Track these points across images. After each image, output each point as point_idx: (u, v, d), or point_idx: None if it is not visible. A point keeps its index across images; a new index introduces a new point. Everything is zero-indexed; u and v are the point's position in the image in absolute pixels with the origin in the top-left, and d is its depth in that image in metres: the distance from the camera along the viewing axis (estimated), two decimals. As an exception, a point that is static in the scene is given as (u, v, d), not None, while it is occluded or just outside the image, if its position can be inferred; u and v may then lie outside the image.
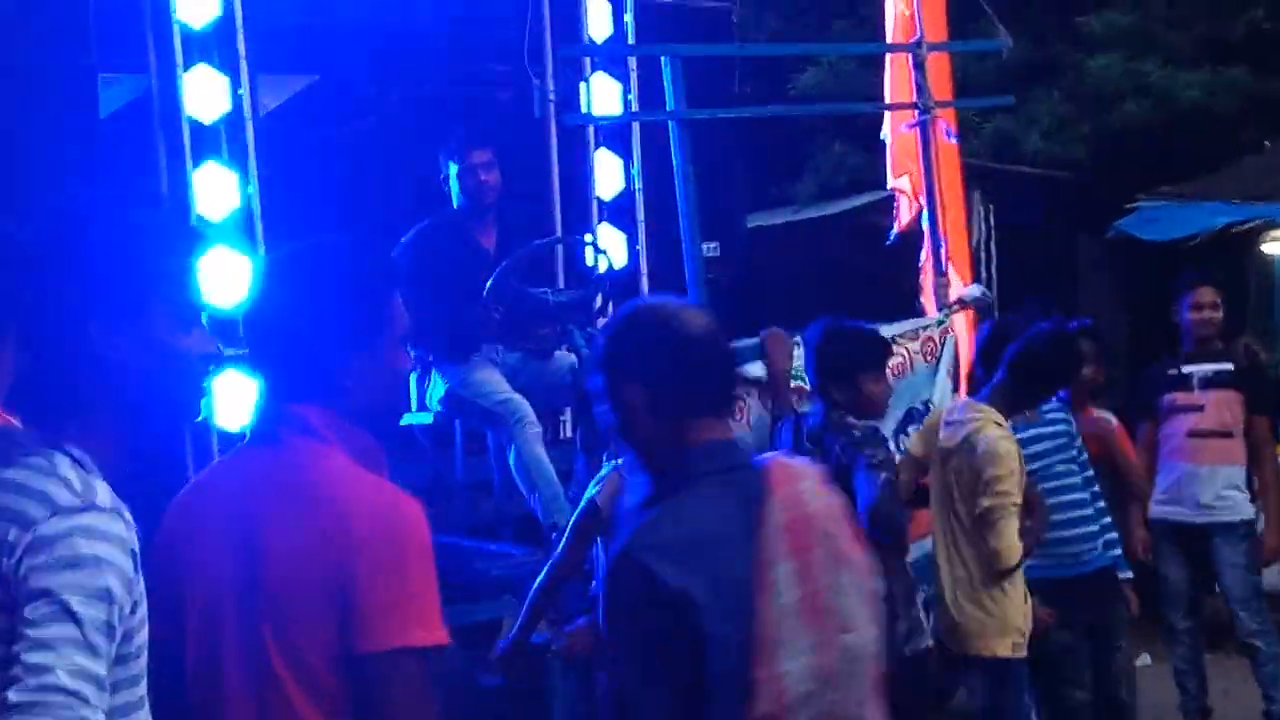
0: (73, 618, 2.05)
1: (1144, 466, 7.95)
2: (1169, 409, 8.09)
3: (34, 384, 2.37)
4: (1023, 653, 5.78)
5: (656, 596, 2.69)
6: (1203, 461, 7.91)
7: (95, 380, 2.31)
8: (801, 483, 2.96)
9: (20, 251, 2.42)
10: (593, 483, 5.40)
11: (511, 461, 6.45)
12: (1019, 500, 5.67)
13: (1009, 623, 5.77)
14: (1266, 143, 12.67)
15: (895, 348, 6.55)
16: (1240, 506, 8.03)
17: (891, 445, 6.47)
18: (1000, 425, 5.84)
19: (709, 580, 2.70)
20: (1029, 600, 5.86)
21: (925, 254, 7.75)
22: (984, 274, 11.54)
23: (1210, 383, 7.99)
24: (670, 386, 2.86)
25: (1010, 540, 5.62)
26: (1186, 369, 8.07)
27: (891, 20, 8.26)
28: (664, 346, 2.90)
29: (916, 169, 7.71)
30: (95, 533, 2.12)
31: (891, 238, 8.40)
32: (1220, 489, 7.97)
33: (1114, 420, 7.62)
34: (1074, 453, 6.61)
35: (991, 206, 12.15)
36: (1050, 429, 6.50)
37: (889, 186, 8.56)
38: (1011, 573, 5.73)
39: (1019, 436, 6.05)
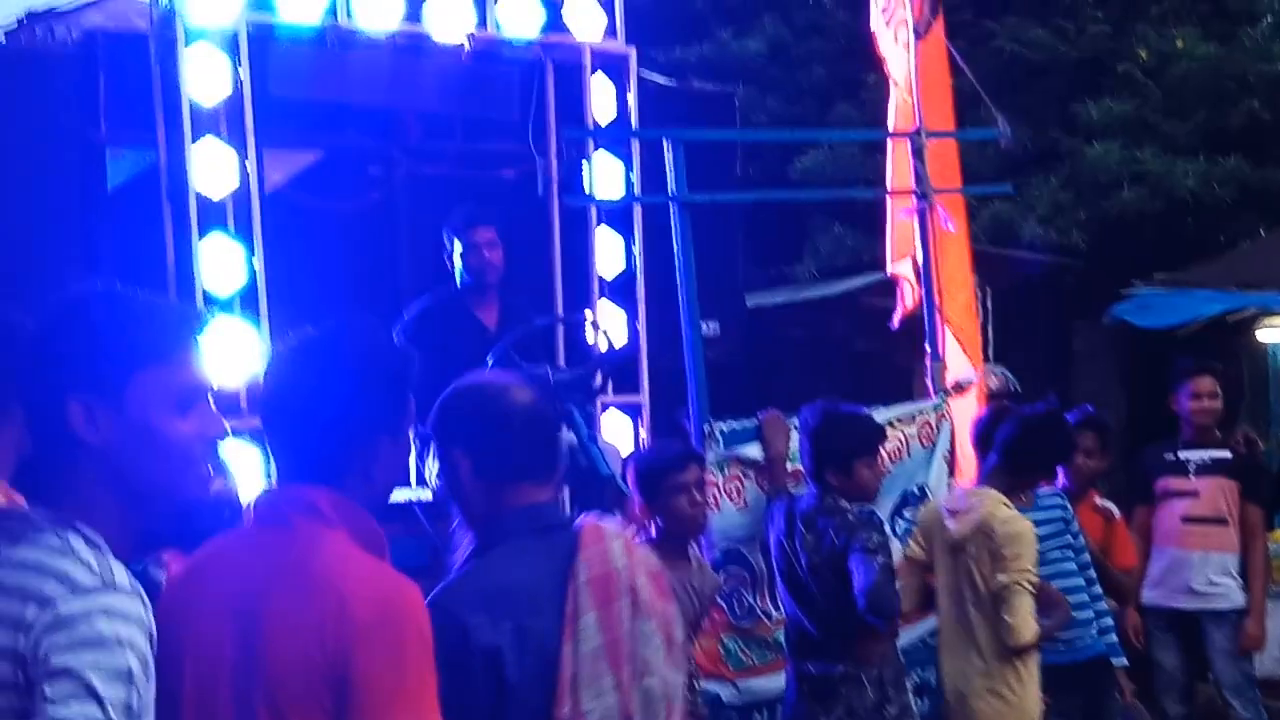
0: (95, 698, 2.06)
1: (1138, 549, 7.90)
2: (1164, 493, 8.09)
3: (34, 465, 2.40)
4: None
5: (464, 643, 2.92)
6: (1195, 547, 7.90)
7: (81, 463, 2.31)
8: (610, 542, 3.23)
9: (20, 335, 2.45)
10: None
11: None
12: (1035, 579, 5.67)
13: (1027, 713, 5.78)
14: (1262, 231, 12.71)
15: (892, 431, 6.55)
16: (1232, 594, 8.00)
17: (888, 527, 6.50)
18: (1009, 506, 5.84)
19: (515, 628, 2.96)
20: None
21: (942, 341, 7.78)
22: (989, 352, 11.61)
23: (1206, 469, 8.00)
24: (492, 455, 3.19)
25: (1026, 617, 5.59)
26: (1183, 454, 8.08)
27: (894, 106, 8.30)
28: (488, 419, 3.24)
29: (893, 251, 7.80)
30: (116, 613, 2.13)
31: (896, 323, 8.42)
32: (1212, 575, 7.96)
33: (1116, 512, 7.54)
34: (1069, 539, 6.58)
35: (988, 290, 12.18)
36: (1045, 514, 6.44)
37: (889, 272, 8.57)
38: (1026, 652, 5.72)
39: None
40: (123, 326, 2.36)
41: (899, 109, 8.19)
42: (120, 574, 2.20)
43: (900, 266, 8.27)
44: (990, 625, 5.75)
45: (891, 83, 8.37)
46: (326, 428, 2.75)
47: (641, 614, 3.16)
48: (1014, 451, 6.00)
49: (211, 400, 2.45)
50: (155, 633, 2.22)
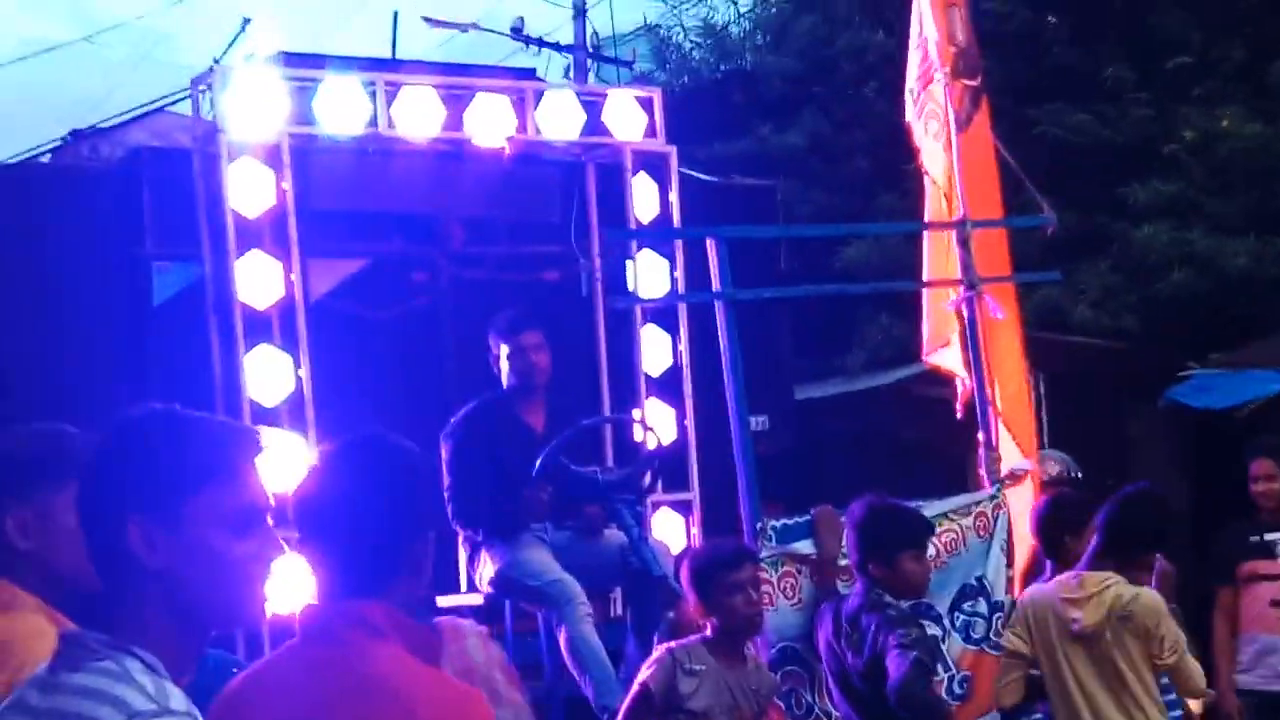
0: None
1: (1225, 631, 7.85)
2: (1249, 576, 7.96)
3: (96, 589, 2.41)
4: None
5: None
6: None
7: (139, 587, 2.31)
8: (466, 640, 3.42)
9: (82, 459, 2.47)
10: (645, 665, 5.36)
11: (562, 643, 6.41)
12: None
13: None
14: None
15: (948, 524, 6.51)
16: None
17: (946, 621, 6.44)
18: (1128, 583, 5.84)
19: None
20: None
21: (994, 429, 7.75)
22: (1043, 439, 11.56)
23: None
24: None
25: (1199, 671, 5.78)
26: (1269, 536, 7.97)
27: (929, 197, 8.30)
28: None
29: (960, 343, 7.74)
30: None
31: (960, 413, 8.37)
32: None
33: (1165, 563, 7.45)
34: None
35: (1040, 376, 12.15)
36: None
37: (926, 362, 8.57)
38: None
39: None
40: (181, 447, 2.36)
41: (933, 199, 8.19)
42: (176, 698, 2.20)
43: (938, 357, 8.24)
44: (1157, 703, 5.82)
45: (925, 174, 8.38)
46: (376, 536, 2.75)
47: (499, 704, 3.25)
48: (1118, 530, 6.01)
49: (270, 520, 2.45)
50: None
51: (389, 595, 2.73)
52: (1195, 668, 5.74)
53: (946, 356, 8.14)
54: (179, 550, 2.29)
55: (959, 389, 8.10)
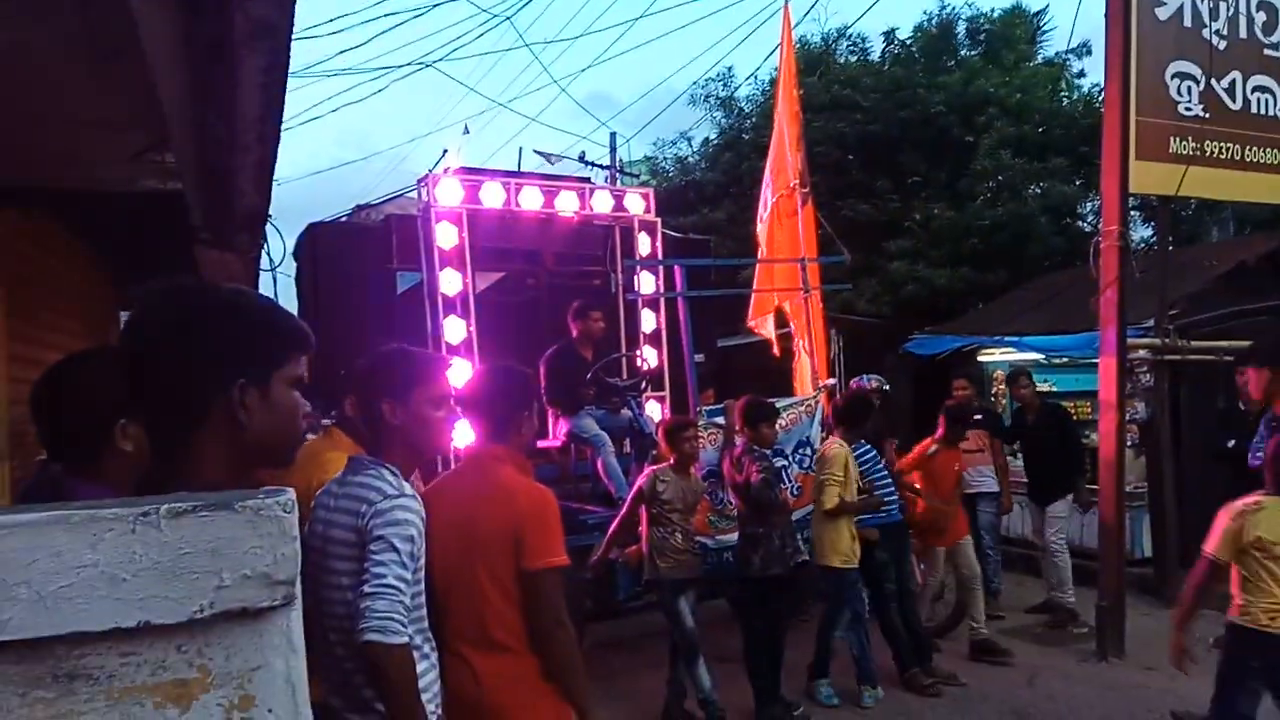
0: (395, 549, 2.06)
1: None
2: None
3: (370, 438, 2.39)
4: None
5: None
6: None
7: (389, 433, 2.29)
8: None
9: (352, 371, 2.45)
10: (640, 477, 5.34)
11: (599, 465, 6.42)
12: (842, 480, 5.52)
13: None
14: (985, 305, 12.60)
15: (792, 411, 6.49)
16: (988, 482, 7.45)
17: (792, 459, 6.40)
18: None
19: None
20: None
21: (798, 361, 7.78)
22: (838, 372, 11.51)
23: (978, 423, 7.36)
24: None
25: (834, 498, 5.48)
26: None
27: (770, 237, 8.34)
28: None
29: (789, 317, 7.79)
30: (406, 508, 2.13)
31: (778, 353, 8.47)
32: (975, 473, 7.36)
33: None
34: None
35: (841, 338, 12.12)
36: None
37: (749, 325, 8.84)
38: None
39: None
40: (410, 365, 2.35)
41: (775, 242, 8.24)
42: (407, 489, 2.20)
43: (755, 324, 8.42)
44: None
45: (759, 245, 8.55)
46: (502, 411, 2.73)
47: None
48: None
49: (451, 402, 2.43)
50: (425, 517, 2.21)
51: (507, 441, 2.72)
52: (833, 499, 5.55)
53: (764, 326, 8.24)
54: (409, 416, 2.28)
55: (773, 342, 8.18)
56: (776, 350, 8.55)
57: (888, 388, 7.51)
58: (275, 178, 3.05)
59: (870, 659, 5.54)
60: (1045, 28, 15.71)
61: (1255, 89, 7.60)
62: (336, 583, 2.13)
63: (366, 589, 2.01)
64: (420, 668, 2.09)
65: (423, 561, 2.17)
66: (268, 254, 4.73)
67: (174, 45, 1.84)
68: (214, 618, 1.03)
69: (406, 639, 2.03)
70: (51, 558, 0.96)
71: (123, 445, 1.72)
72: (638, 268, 7.41)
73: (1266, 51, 7.57)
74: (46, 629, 0.96)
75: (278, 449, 1.38)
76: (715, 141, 16.86)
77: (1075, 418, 8.11)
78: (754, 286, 8.59)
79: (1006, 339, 9.55)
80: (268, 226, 4.39)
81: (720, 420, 6.09)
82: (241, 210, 3.37)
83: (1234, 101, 7.42)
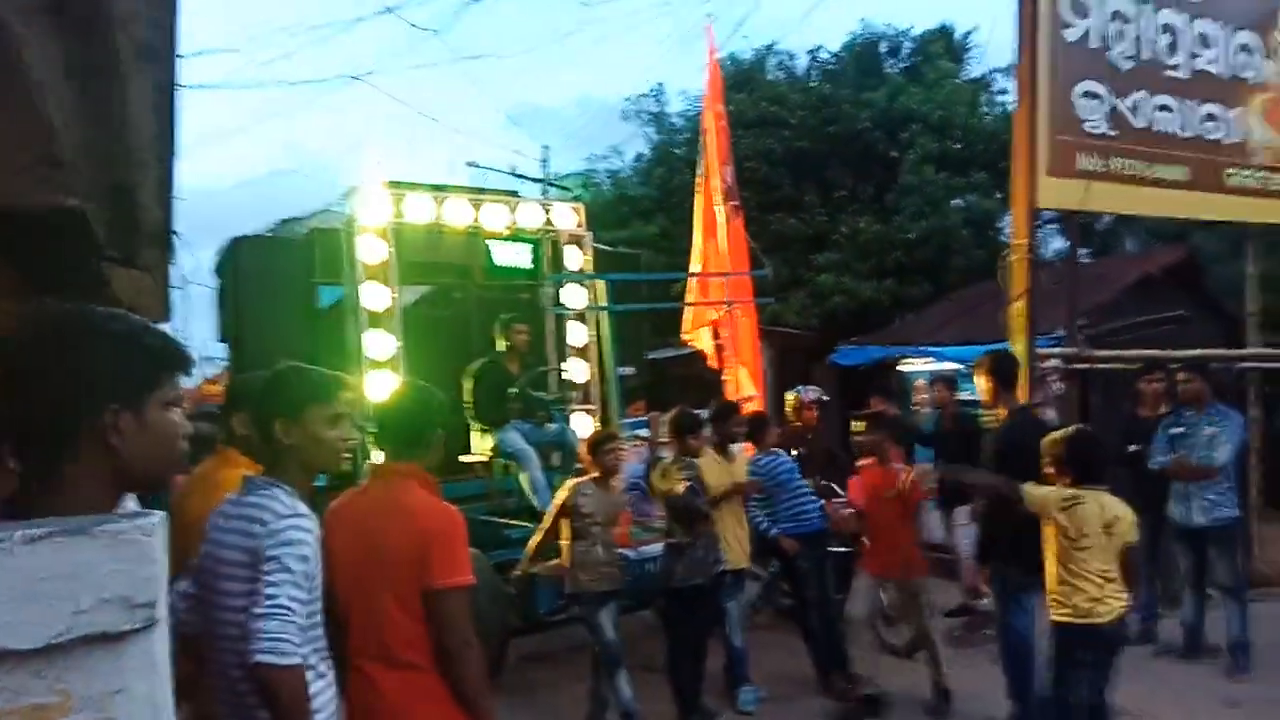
0: (288, 570, 2.06)
1: None
2: None
3: (265, 456, 2.38)
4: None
5: None
6: None
7: (283, 453, 2.27)
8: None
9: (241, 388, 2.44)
10: (562, 489, 5.36)
11: (522, 479, 6.42)
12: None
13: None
14: (909, 317, 12.89)
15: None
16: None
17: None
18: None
19: None
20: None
21: (731, 372, 7.87)
22: (767, 382, 11.68)
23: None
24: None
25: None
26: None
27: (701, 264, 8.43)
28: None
29: (717, 330, 7.88)
30: (299, 528, 2.13)
31: (718, 365, 8.50)
32: None
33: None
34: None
35: (772, 348, 12.30)
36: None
37: (684, 339, 8.96)
38: None
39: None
40: (303, 383, 2.33)
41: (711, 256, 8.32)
42: (302, 508, 2.20)
43: (691, 337, 8.51)
44: None
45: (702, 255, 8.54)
46: (409, 430, 2.74)
47: None
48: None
49: (350, 419, 2.42)
50: (320, 537, 2.21)
51: (415, 459, 2.72)
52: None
53: (699, 339, 8.32)
54: (303, 435, 2.28)
55: (719, 353, 8.24)
56: (714, 362, 8.63)
57: (826, 399, 7.63)
58: (206, 190, 3.03)
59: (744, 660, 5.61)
60: (970, 45, 16.22)
61: (1158, 108, 7.93)
62: (229, 604, 2.12)
63: (258, 610, 2.01)
64: (315, 687, 2.09)
65: (319, 580, 2.17)
66: (177, 269, 4.67)
67: (58, 67, 1.84)
68: (72, 642, 1.04)
69: (299, 659, 2.02)
70: (-102, 584, 0.96)
71: (8, 465, 1.69)
72: (565, 282, 7.45)
73: (1167, 73, 7.92)
74: (-108, 657, 0.97)
75: (155, 473, 1.38)
76: (648, 156, 17.00)
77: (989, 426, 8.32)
78: (690, 300, 8.66)
79: (927, 349, 9.79)
80: (176, 242, 4.34)
81: (644, 432, 6.14)
82: (146, 226, 3.33)
83: (1138, 120, 7.75)
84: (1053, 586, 4.03)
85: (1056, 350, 7.89)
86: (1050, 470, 4.08)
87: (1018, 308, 6.64)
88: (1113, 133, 7.52)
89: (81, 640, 1.05)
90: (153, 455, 1.35)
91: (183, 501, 2.71)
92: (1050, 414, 8.24)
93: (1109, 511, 3.96)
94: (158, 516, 1.14)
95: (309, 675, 2.07)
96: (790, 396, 7.04)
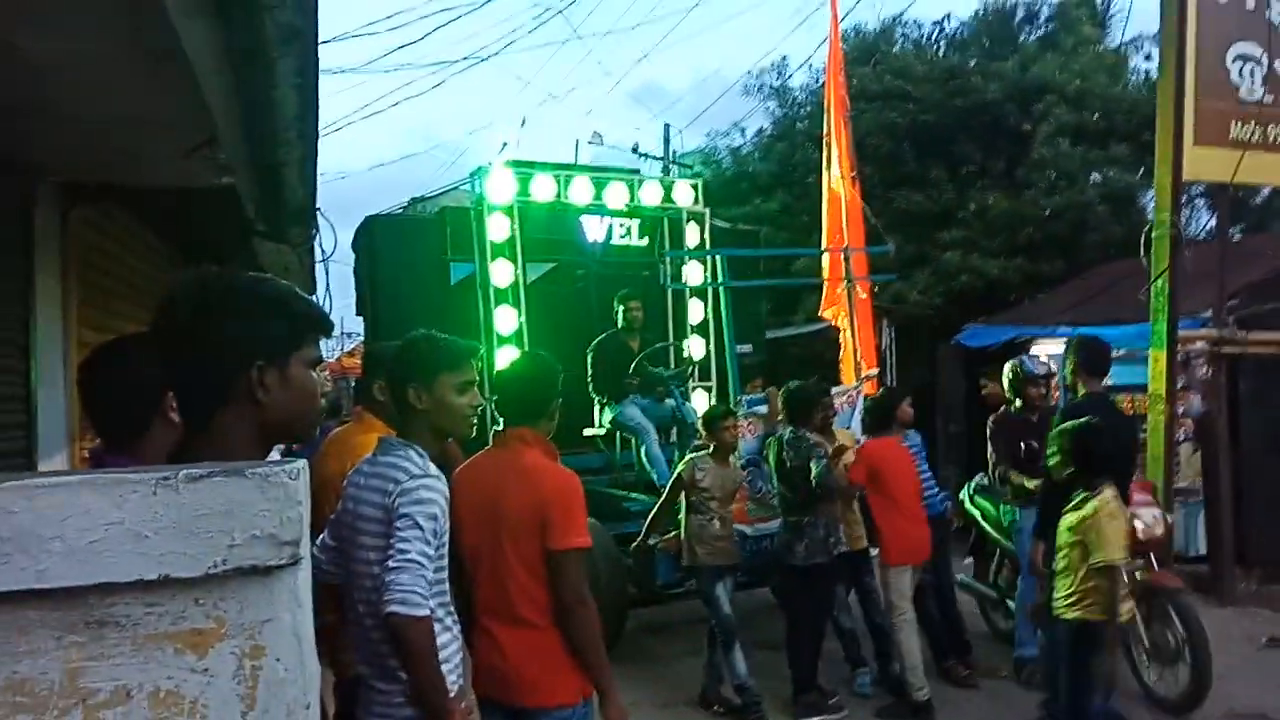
0: (419, 527, 2.16)
1: None
2: None
3: (398, 420, 2.48)
4: None
5: None
6: None
7: (415, 418, 2.37)
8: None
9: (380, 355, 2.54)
10: (680, 463, 5.41)
11: (642, 453, 6.50)
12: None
13: None
14: (1040, 296, 12.36)
15: (837, 399, 6.47)
16: None
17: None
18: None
19: None
20: None
21: (845, 351, 7.72)
22: (888, 363, 11.44)
23: None
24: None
25: None
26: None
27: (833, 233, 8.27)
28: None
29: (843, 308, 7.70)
30: (430, 488, 2.22)
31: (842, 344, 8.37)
32: None
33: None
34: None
35: (892, 329, 12.02)
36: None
37: (821, 316, 8.63)
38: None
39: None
40: (436, 351, 2.40)
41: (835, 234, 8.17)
42: (432, 469, 2.28)
43: (828, 314, 8.31)
44: None
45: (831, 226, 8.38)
46: (530, 399, 2.81)
47: None
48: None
49: (476, 385, 2.48)
50: (450, 496, 2.29)
51: (536, 426, 2.80)
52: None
53: (838, 317, 8.13)
54: (433, 402, 2.37)
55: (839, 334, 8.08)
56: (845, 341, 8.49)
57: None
58: (341, 172, 3.19)
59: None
60: (1114, 11, 15.34)
61: (1322, 70, 7.34)
62: (365, 558, 2.23)
63: (391, 563, 2.11)
64: (441, 639, 2.18)
65: (446, 538, 2.25)
66: (319, 245, 4.90)
67: (214, 51, 1.97)
68: (227, 573, 1.13)
69: (428, 611, 2.12)
70: (81, 515, 1.06)
71: (171, 415, 1.79)
72: (685, 259, 7.48)
73: (1334, 32, 7.31)
74: (78, 579, 1.07)
75: (296, 426, 1.46)
76: (769, 132, 16.77)
77: (1131, 411, 7.92)
78: (825, 277, 8.53)
79: (1060, 330, 9.37)
80: (319, 219, 4.57)
81: (761, 409, 6.12)
82: (290, 203, 3.53)
83: (1298, 83, 7.19)
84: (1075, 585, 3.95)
85: (1202, 332, 7.44)
86: (1056, 461, 4.06)
87: (1159, 286, 6.28)
88: (1269, 99, 7.00)
89: (235, 572, 1.13)
90: (294, 410, 1.43)
91: (321, 462, 2.86)
92: (1195, 401, 7.81)
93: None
94: (302, 463, 1.22)
95: (436, 628, 2.17)
96: (1010, 367, 5.84)
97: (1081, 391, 4.76)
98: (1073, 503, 4.01)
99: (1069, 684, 3.99)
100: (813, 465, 5.07)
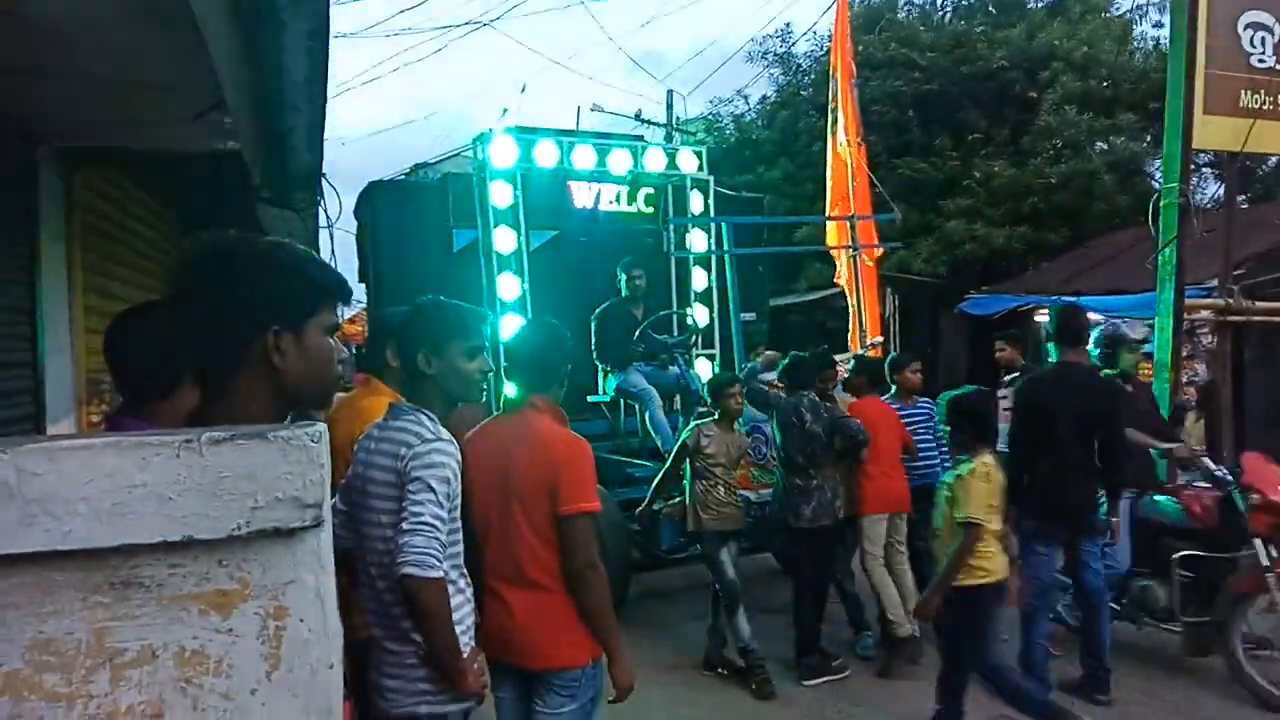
0: (431, 490, 2.17)
1: None
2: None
3: (407, 385, 2.49)
4: None
5: None
6: None
7: (425, 384, 2.37)
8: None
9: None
10: (685, 430, 5.43)
11: (647, 419, 6.51)
12: None
13: None
14: (1044, 265, 12.34)
15: (840, 366, 6.47)
16: None
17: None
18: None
19: None
20: None
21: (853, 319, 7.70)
22: (892, 331, 11.42)
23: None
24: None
25: None
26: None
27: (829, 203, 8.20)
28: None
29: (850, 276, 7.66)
30: (442, 451, 2.22)
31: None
32: None
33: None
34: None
35: (896, 297, 11.99)
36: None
37: (835, 282, 8.53)
38: None
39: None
40: (445, 317, 2.41)
41: (840, 201, 8.11)
42: (444, 433, 2.29)
43: (841, 280, 8.25)
44: None
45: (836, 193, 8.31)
46: (541, 365, 2.82)
47: None
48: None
49: (486, 352, 2.49)
50: (462, 461, 2.30)
51: (547, 392, 2.80)
52: None
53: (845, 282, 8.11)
54: (443, 367, 2.37)
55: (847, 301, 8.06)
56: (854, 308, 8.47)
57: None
58: (340, 138, 3.17)
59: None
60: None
61: (1334, 39, 7.26)
62: (377, 520, 2.24)
63: (405, 526, 2.12)
64: (454, 601, 2.20)
65: (458, 502, 2.26)
66: (324, 211, 4.87)
67: (223, 13, 1.94)
68: (250, 535, 1.14)
69: (442, 573, 2.13)
70: (106, 478, 1.07)
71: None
72: (689, 226, 7.44)
73: (1347, -1, 7.21)
74: (103, 540, 1.07)
75: (313, 391, 1.46)
76: (772, 99, 16.63)
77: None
78: (829, 242, 8.50)
79: (1064, 299, 9.34)
80: (324, 185, 4.54)
81: (766, 376, 6.11)
82: (297, 169, 3.51)
83: (1311, 53, 7.10)
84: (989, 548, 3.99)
85: (1207, 301, 7.41)
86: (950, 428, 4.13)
87: (1166, 255, 6.25)
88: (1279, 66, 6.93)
89: (258, 534, 1.13)
90: (310, 375, 1.42)
91: (330, 428, 2.86)
92: (1199, 369, 7.82)
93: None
94: (323, 426, 1.23)
95: (450, 590, 2.18)
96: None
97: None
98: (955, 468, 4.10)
99: (969, 651, 4.04)
100: (838, 420, 5.20)
